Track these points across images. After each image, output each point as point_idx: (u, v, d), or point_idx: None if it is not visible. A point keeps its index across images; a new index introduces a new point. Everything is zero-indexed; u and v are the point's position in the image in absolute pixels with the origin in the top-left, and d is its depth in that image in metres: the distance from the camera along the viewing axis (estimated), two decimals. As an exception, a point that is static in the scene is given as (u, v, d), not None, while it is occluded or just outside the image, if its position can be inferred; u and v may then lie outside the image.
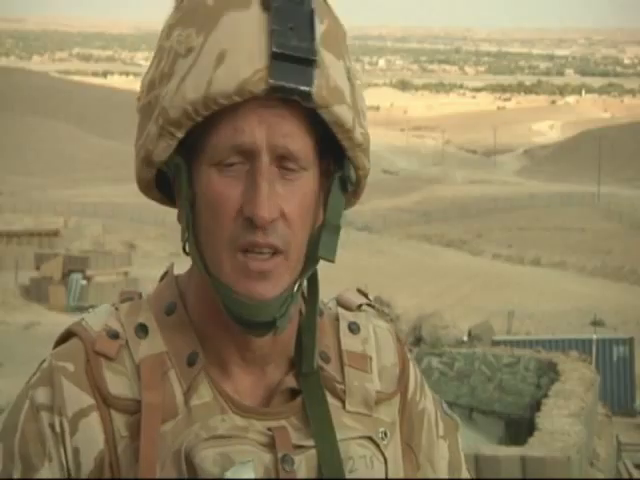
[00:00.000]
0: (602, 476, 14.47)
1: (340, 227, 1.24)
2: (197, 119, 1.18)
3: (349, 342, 1.32)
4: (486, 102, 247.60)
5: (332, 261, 1.24)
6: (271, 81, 1.15)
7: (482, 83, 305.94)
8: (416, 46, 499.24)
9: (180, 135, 1.19)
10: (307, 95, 1.17)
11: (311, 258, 1.22)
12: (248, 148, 1.18)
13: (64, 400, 1.21)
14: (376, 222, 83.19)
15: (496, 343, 24.63)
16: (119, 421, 1.21)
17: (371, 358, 1.33)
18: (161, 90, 1.20)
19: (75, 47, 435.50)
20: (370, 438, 1.27)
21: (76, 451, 1.20)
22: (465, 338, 30.19)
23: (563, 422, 13.18)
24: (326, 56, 1.19)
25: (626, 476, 18.35)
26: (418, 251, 65.70)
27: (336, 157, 1.25)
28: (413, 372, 1.38)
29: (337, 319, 1.34)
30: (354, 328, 1.34)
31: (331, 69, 1.20)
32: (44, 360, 1.26)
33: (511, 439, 15.37)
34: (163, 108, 1.19)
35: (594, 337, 26.53)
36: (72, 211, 73.11)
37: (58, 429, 1.20)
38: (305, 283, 1.26)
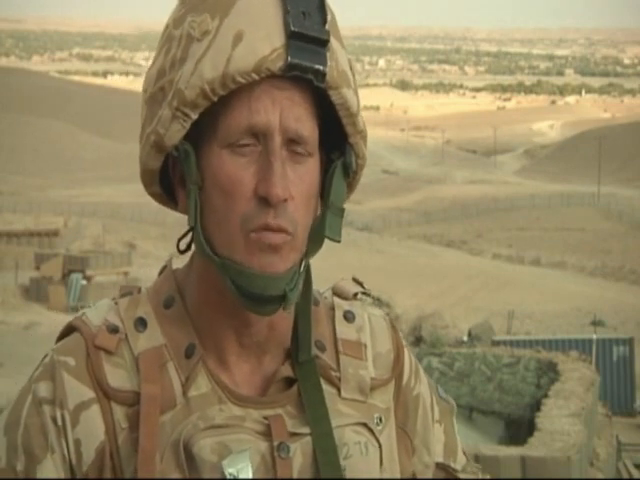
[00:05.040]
0: (602, 476, 14.48)
1: (344, 210, 1.28)
2: (213, 99, 1.20)
3: (344, 330, 1.36)
4: (486, 102, 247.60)
5: (338, 241, 1.27)
6: (289, 59, 1.18)
7: (482, 83, 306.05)
8: (416, 46, 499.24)
9: (194, 116, 1.21)
10: (321, 74, 1.21)
11: (316, 239, 1.26)
12: (262, 129, 1.20)
13: (65, 394, 1.24)
14: (376, 222, 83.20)
15: (496, 343, 24.63)
16: (119, 413, 1.24)
17: (366, 346, 1.36)
18: (174, 75, 1.22)
19: (75, 47, 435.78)
20: (365, 424, 1.30)
21: (77, 443, 1.23)
22: (465, 338, 30.20)
23: (563, 422, 13.18)
24: (334, 42, 1.24)
25: (626, 476, 18.37)
26: (418, 251, 65.68)
27: (334, 146, 1.29)
28: (408, 358, 1.41)
29: (332, 308, 1.37)
30: (349, 317, 1.37)
31: (338, 54, 1.24)
32: (46, 355, 1.28)
33: (511, 439, 15.37)
34: (178, 90, 1.21)
35: (594, 337, 26.48)
36: (72, 211, 73.02)
37: (60, 422, 1.23)
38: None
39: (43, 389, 1.25)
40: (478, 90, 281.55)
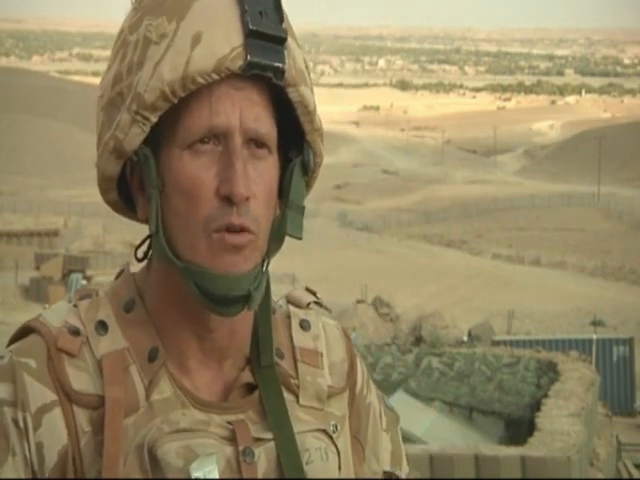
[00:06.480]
0: (602, 476, 14.46)
1: (304, 207, 1.28)
2: (173, 100, 1.20)
3: (301, 339, 1.37)
4: (486, 102, 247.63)
5: (300, 238, 1.27)
6: (249, 57, 1.19)
7: (482, 83, 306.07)
8: (416, 46, 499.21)
9: (154, 119, 1.21)
10: (280, 72, 1.22)
11: (276, 238, 1.26)
12: (222, 130, 1.21)
13: (27, 396, 1.21)
14: (376, 222, 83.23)
15: (496, 343, 24.64)
16: (81, 416, 1.22)
17: (322, 354, 1.37)
18: (132, 79, 1.22)
19: (75, 47, 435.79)
20: (324, 431, 1.31)
21: (40, 445, 1.21)
22: (465, 338, 30.21)
23: (563, 422, 13.17)
24: (290, 41, 1.24)
25: (626, 476, 18.35)
26: (418, 251, 65.70)
27: (292, 145, 1.29)
28: (360, 368, 1.42)
29: (288, 317, 1.38)
30: (305, 325, 1.38)
31: (295, 53, 1.25)
32: (1, 357, 1.26)
33: (511, 439, 15.34)
34: (137, 93, 1.21)
35: (594, 337, 26.49)
36: (72, 211, 73.08)
37: (22, 424, 1.21)
38: None
39: (3, 391, 1.22)
40: (478, 90, 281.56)
